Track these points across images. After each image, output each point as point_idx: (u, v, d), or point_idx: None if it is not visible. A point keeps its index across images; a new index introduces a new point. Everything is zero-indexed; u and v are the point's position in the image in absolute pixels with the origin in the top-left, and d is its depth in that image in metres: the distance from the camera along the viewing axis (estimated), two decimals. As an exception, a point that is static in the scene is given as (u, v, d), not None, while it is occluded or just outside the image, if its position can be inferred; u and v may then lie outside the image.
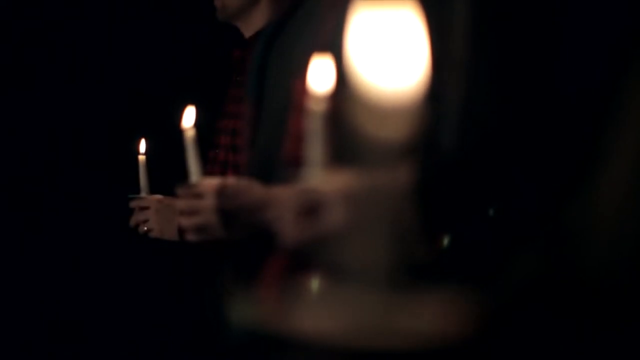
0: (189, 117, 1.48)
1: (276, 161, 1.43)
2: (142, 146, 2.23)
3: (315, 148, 1.16)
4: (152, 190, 2.22)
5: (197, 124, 1.47)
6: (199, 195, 1.40)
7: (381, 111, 0.54)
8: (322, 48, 1.32)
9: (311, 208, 1.20)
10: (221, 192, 1.37)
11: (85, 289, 3.10)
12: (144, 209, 2.22)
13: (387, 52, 0.55)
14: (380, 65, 0.54)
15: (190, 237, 1.44)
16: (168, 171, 1.71)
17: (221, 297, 1.60)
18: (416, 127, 0.55)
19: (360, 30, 0.54)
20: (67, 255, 3.12)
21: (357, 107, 0.54)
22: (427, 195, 1.18)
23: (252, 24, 2.25)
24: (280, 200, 1.28)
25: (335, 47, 1.28)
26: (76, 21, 3.18)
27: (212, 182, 1.41)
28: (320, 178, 1.17)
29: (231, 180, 1.47)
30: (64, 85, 3.16)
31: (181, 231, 2.08)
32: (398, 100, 0.54)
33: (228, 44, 2.40)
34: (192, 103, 1.51)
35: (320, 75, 1.19)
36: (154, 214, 2.21)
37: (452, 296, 0.59)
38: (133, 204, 2.23)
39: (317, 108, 1.17)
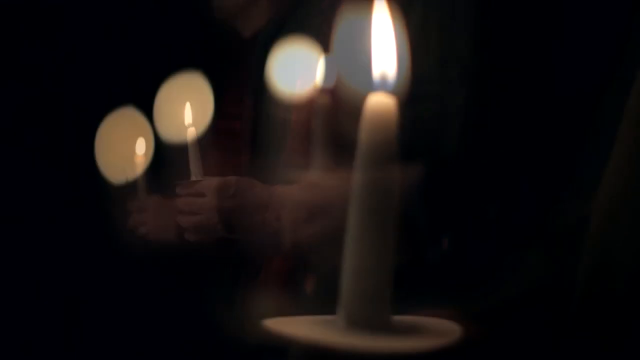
0: (189, 115, 1.47)
1: (277, 161, 1.43)
2: (141, 147, 2.22)
3: (316, 148, 1.16)
4: (150, 191, 2.21)
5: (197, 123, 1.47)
6: (199, 194, 1.39)
7: (362, 114, 0.54)
8: (324, 48, 1.32)
9: (312, 208, 1.19)
10: (222, 191, 1.36)
11: (84, 289, 3.10)
12: (142, 210, 2.21)
13: (368, 57, 0.55)
14: (362, 70, 0.55)
15: (190, 236, 1.43)
16: (166, 172, 1.71)
17: (221, 298, 1.60)
18: (400, 130, 0.55)
19: (345, 36, 0.55)
20: (67, 255, 3.12)
21: (347, 110, 0.54)
22: (428, 196, 1.18)
23: (252, 24, 2.25)
24: (281, 200, 1.28)
25: (337, 47, 1.29)
26: (76, 21, 3.17)
27: (212, 181, 1.40)
28: (321, 179, 1.17)
29: (232, 178, 1.46)
30: (64, 85, 3.16)
31: (180, 231, 2.07)
32: (382, 104, 0.55)
33: (226, 44, 2.40)
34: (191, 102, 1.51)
35: (321, 75, 1.19)
36: (152, 216, 2.20)
37: (452, 297, 0.60)
38: (131, 205, 2.23)
39: (318, 108, 1.17)
